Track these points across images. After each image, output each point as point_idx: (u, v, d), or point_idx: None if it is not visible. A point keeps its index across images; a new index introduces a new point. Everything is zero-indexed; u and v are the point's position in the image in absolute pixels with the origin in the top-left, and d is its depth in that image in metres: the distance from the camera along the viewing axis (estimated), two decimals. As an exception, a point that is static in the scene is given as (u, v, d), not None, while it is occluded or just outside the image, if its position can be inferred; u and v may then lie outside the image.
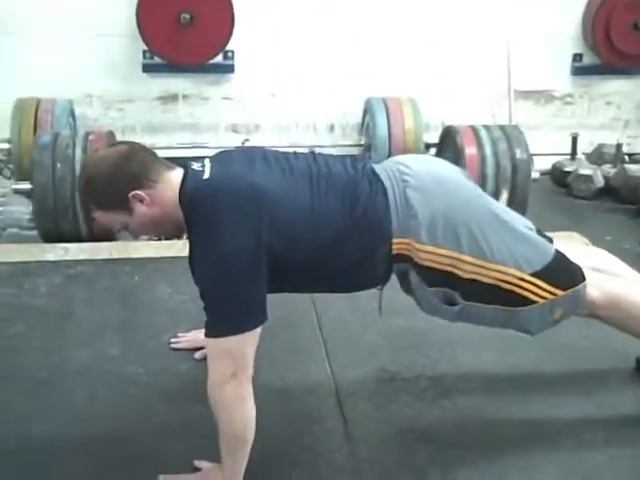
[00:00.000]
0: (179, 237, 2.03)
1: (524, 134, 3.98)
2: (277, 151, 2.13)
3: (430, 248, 1.98)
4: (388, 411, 2.30)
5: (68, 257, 3.35)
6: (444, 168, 2.16)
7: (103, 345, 2.61)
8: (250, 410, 1.89)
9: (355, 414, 2.26)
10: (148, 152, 2.04)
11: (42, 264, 3.27)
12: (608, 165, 4.60)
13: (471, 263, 1.98)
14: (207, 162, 2.02)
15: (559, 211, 4.28)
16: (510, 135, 3.94)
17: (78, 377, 2.43)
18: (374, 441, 2.17)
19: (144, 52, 4.63)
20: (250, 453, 1.92)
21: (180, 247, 3.51)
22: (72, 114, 4.53)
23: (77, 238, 3.62)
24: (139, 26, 4.44)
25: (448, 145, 4.05)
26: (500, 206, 2.19)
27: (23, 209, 4.08)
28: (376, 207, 1.99)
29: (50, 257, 3.35)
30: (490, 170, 3.82)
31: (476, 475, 2.05)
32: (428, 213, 1.98)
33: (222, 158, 2.08)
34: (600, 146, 4.82)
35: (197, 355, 2.48)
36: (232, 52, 4.69)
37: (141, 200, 1.95)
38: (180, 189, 1.95)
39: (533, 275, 2.00)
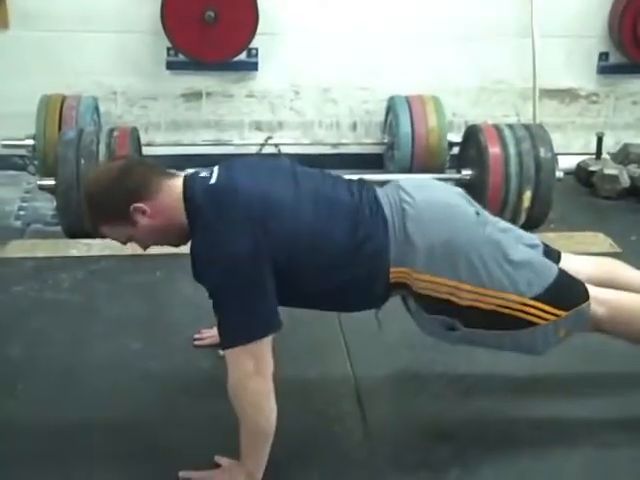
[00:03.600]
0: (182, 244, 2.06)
1: (548, 133, 3.95)
2: (286, 163, 2.17)
3: (428, 277, 1.99)
4: (408, 410, 2.30)
5: (91, 253, 3.37)
6: (445, 195, 2.15)
7: (125, 340, 2.63)
8: (272, 406, 1.90)
9: (375, 413, 2.27)
10: (147, 164, 2.09)
11: (65, 259, 3.29)
12: (634, 165, 4.55)
13: (470, 291, 1.98)
14: (215, 169, 2.05)
15: (584, 211, 4.24)
16: (534, 134, 3.91)
17: (100, 371, 2.45)
18: (394, 440, 2.17)
19: (168, 49, 4.64)
20: (270, 451, 1.92)
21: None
22: (97, 111, 4.56)
23: (100, 234, 3.63)
24: (163, 23, 4.45)
25: (471, 144, 4.04)
26: (502, 227, 2.19)
27: (47, 205, 4.12)
28: (376, 236, 2.00)
29: (73, 252, 3.38)
30: (514, 169, 3.80)
31: (496, 475, 2.04)
32: (426, 243, 1.98)
33: (230, 166, 2.09)
34: (626, 146, 4.77)
35: (221, 352, 2.49)
36: (256, 50, 4.69)
37: (143, 212, 1.97)
38: (185, 195, 1.98)
39: (534, 299, 2.00)
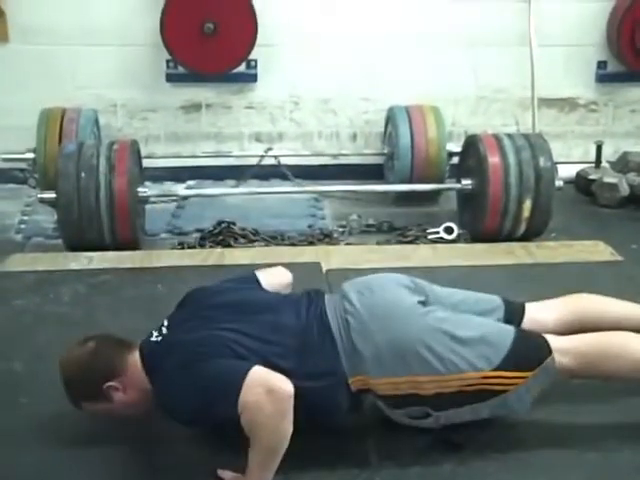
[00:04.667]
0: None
1: (548, 142, 3.96)
2: (233, 297, 2.24)
3: (384, 380, 2.05)
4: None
5: (92, 266, 3.37)
6: (387, 296, 2.18)
7: (127, 354, 2.62)
8: (288, 426, 1.89)
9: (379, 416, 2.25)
10: (112, 342, 2.18)
11: (66, 273, 3.29)
12: (633, 173, 4.56)
13: (429, 381, 2.03)
14: (165, 323, 2.19)
15: (584, 220, 4.25)
16: (534, 143, 3.92)
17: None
18: (397, 450, 2.15)
19: (167, 62, 4.66)
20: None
21: (204, 256, 3.54)
22: (97, 124, 4.57)
23: (101, 247, 3.64)
24: (163, 36, 4.47)
25: (471, 154, 4.04)
26: (454, 302, 2.25)
27: (48, 218, 4.12)
28: (324, 355, 2.07)
29: (74, 266, 3.38)
30: (513, 179, 3.80)
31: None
32: (372, 350, 2.05)
33: (171, 321, 2.19)
34: (625, 154, 4.78)
35: None
36: (255, 61, 4.70)
37: (116, 389, 2.08)
38: (142, 363, 2.09)
39: (495, 370, 2.04)
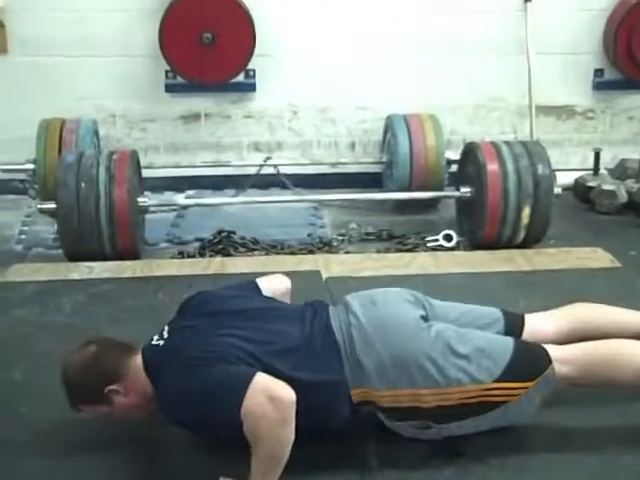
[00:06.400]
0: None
1: (546, 150, 3.97)
2: (232, 305, 2.24)
3: (386, 392, 2.07)
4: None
5: (92, 276, 3.37)
6: (390, 310, 2.19)
7: (127, 363, 2.62)
8: (290, 434, 1.90)
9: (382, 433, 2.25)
10: (115, 346, 2.18)
11: (67, 283, 3.29)
12: (631, 180, 4.57)
13: (430, 394, 2.04)
14: (165, 329, 2.18)
15: (582, 227, 4.26)
16: (532, 151, 3.93)
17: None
18: (398, 455, 2.15)
19: (167, 72, 4.68)
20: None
21: (204, 265, 3.54)
22: (96, 134, 4.58)
23: (101, 257, 3.65)
24: (162, 46, 4.48)
25: (470, 161, 4.05)
26: (455, 316, 2.26)
27: (48, 229, 4.13)
28: (328, 366, 2.07)
29: (74, 276, 3.38)
30: (512, 186, 3.81)
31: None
32: (375, 363, 2.06)
33: (174, 326, 2.20)
34: (623, 161, 4.80)
35: None
36: (254, 71, 4.72)
37: (117, 392, 2.09)
38: (144, 367, 2.10)
39: (495, 381, 2.06)
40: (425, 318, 2.20)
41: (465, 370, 2.05)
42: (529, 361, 2.12)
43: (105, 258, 3.64)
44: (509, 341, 2.16)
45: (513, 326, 2.30)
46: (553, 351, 2.13)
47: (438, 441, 2.11)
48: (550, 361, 2.10)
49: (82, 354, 2.15)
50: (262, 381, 1.90)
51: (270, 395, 1.87)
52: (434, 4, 4.72)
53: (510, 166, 3.85)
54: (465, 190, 4.05)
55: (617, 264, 3.40)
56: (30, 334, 2.85)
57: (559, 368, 2.10)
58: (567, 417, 2.27)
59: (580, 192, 4.64)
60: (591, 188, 4.54)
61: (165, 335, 2.15)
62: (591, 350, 2.17)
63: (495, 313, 2.33)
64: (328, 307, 2.26)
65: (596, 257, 3.47)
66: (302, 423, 1.91)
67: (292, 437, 1.89)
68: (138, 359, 2.13)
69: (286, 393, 1.89)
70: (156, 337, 2.16)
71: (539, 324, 2.33)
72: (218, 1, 4.51)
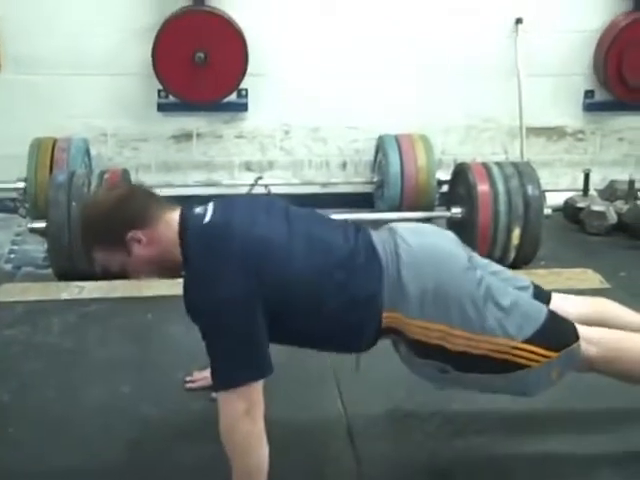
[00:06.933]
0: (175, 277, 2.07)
1: (536, 170, 3.99)
2: (278, 203, 2.17)
3: (419, 323, 2.00)
4: (402, 450, 2.28)
5: (82, 295, 3.37)
6: (438, 241, 2.16)
7: (117, 383, 2.62)
8: (264, 448, 1.89)
9: (368, 453, 2.25)
10: (148, 193, 2.09)
11: (57, 303, 3.29)
12: (621, 201, 4.59)
13: (461, 336, 1.99)
14: (210, 206, 2.04)
15: (572, 247, 4.27)
16: (522, 172, 3.94)
17: (92, 415, 2.44)
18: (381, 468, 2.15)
19: (159, 91, 4.69)
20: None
21: (194, 285, 3.53)
22: (87, 153, 4.58)
23: (91, 277, 3.63)
24: (154, 65, 4.50)
25: (460, 182, 4.07)
26: (493, 270, 2.22)
27: (38, 248, 4.12)
28: (370, 282, 2.01)
29: (65, 296, 3.37)
30: (502, 207, 3.82)
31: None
32: (418, 289, 1.99)
33: (224, 204, 2.08)
34: (612, 182, 4.82)
35: (213, 395, 2.48)
36: (246, 90, 4.73)
37: (139, 241, 1.98)
38: (180, 230, 1.99)
39: (525, 342, 2.02)
40: (470, 262, 2.14)
41: (501, 322, 2.00)
42: (559, 331, 2.08)
43: (95, 278, 3.63)
44: (543, 307, 2.13)
45: (541, 298, 2.24)
46: (582, 329, 2.11)
47: (427, 465, 2.10)
48: (577, 337, 2.07)
49: (109, 193, 2.06)
50: (251, 392, 1.88)
51: (249, 409, 1.86)
52: (426, 26, 4.74)
53: (501, 187, 3.86)
54: (456, 210, 4.06)
55: (607, 285, 3.41)
56: (19, 354, 2.84)
57: (585, 347, 2.07)
58: (557, 442, 2.27)
59: (570, 213, 4.65)
60: (581, 209, 4.55)
61: (209, 210, 2.01)
62: (619, 337, 2.16)
63: (526, 281, 2.29)
64: (368, 228, 2.18)
65: (586, 278, 3.48)
66: (328, 335, 1.96)
67: (265, 452, 1.89)
68: (175, 216, 2.02)
69: (261, 417, 1.88)
70: (199, 208, 2.03)
71: (563, 305, 2.27)
72: (211, 21, 4.53)
